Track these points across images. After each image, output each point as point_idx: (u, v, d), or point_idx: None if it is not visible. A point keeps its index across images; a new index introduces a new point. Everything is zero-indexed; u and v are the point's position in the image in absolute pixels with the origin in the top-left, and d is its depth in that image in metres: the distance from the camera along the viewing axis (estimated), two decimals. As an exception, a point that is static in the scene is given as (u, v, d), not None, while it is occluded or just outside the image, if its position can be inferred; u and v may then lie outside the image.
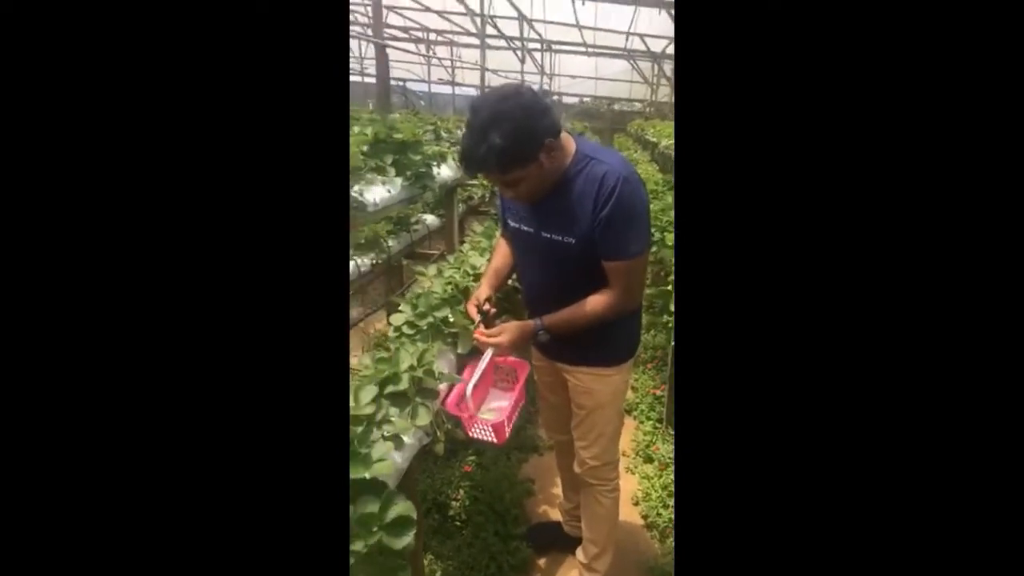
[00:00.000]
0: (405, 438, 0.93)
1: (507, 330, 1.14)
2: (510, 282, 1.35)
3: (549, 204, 1.09)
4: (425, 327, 1.19)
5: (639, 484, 1.89)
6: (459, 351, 1.19)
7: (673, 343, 1.87)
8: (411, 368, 0.99)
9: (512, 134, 0.96)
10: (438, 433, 0.98)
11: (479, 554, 1.53)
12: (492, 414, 1.21)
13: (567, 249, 1.09)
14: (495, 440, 1.11)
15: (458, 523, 1.64)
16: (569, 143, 1.08)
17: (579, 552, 1.49)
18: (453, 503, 1.71)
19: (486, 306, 1.18)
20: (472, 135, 0.99)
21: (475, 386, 1.17)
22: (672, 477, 1.87)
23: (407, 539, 0.72)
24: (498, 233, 1.37)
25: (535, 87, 1.31)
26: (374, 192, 1.53)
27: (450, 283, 1.29)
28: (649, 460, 2.01)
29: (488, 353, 1.13)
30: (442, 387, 1.06)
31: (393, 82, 9.93)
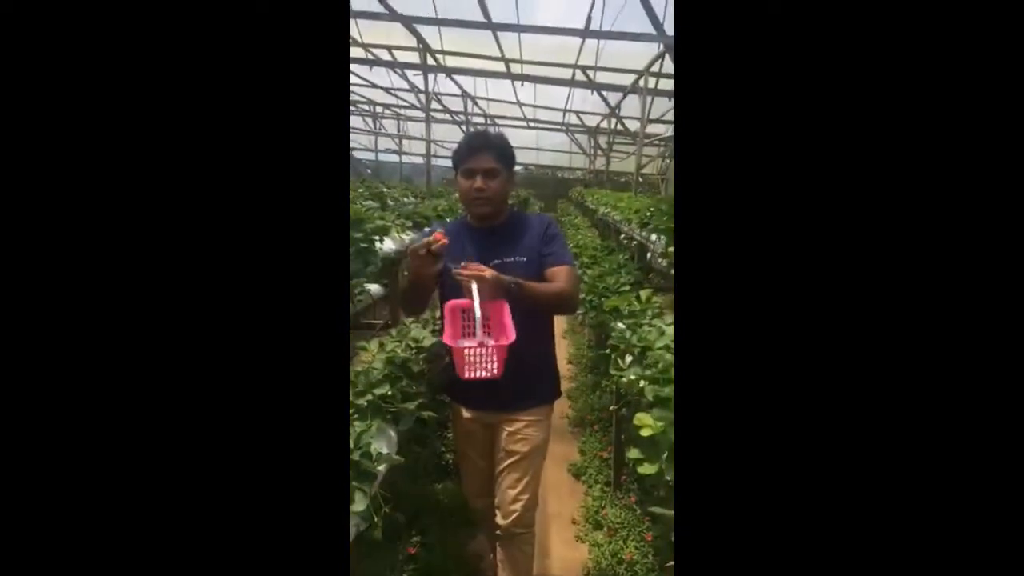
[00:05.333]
0: (341, 526, 0.90)
1: (486, 269, 1.16)
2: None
3: (499, 236, 1.35)
4: (364, 404, 1.18)
5: (589, 553, 1.87)
6: (400, 428, 1.18)
7: (613, 407, 1.93)
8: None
9: (508, 144, 1.33)
10: (375, 519, 0.96)
11: (425, 647, 1.44)
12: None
13: (518, 265, 1.31)
14: (496, 371, 1.12)
15: (402, 613, 1.55)
16: None
17: None
18: (397, 590, 1.62)
19: (439, 242, 1.17)
20: (481, 134, 1.34)
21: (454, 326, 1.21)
22: (621, 544, 1.86)
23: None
24: None
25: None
26: (315, 269, 1.54)
27: (391, 359, 1.30)
28: (599, 527, 2.00)
29: (475, 294, 1.10)
30: (381, 468, 1.04)
31: (340, 151, 10.06)
